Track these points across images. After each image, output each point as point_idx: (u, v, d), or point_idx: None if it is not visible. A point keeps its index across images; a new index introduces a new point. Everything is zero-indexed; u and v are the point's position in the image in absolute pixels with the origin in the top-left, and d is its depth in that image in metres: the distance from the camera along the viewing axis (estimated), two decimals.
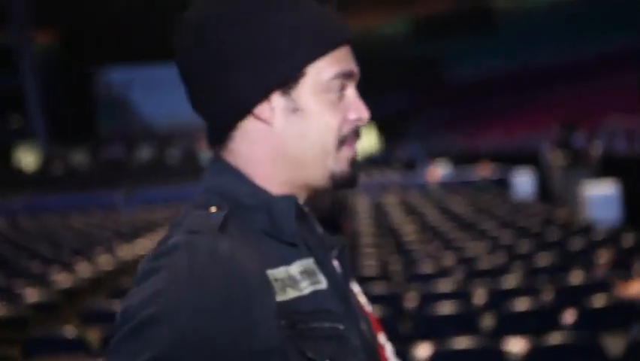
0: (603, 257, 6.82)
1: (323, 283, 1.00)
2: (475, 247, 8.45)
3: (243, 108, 1.00)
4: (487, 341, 4.44)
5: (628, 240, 7.48)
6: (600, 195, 11.61)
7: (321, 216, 4.60)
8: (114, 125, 35.43)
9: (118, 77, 36.60)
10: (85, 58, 35.77)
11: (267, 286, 0.89)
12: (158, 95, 35.48)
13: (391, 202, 15.25)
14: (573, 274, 6.27)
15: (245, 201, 1.00)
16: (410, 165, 23.86)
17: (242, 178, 1.03)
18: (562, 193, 14.56)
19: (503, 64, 33.60)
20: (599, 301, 5.08)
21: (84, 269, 9.40)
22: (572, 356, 4.09)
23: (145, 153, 32.74)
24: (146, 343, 0.81)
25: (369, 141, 35.93)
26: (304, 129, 1.01)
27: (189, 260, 0.85)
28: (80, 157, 32.49)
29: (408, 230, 10.44)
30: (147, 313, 0.82)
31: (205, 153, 31.54)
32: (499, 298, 5.49)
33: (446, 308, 5.16)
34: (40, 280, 8.49)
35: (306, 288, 0.96)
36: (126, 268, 9.81)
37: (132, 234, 13.29)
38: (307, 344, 0.91)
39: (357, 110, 1.06)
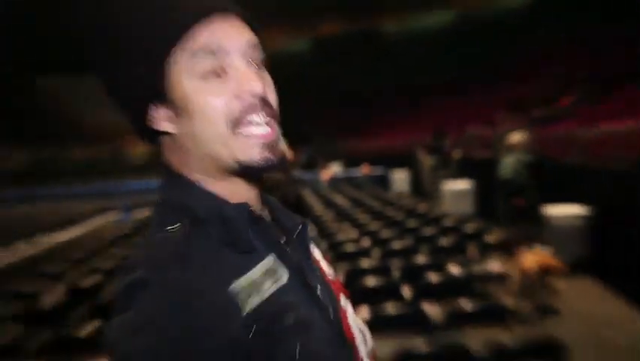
0: (446, 241, 7.15)
1: (284, 277, 0.94)
2: (346, 233, 8.54)
3: (142, 128, 0.96)
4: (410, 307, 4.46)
5: (471, 227, 7.78)
6: (457, 190, 11.99)
7: (288, 207, 4.54)
8: (47, 125, 34.14)
9: (50, 84, 35.39)
10: (18, 67, 34.27)
11: (232, 307, 0.84)
12: (89, 98, 34.70)
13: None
14: (419, 256, 6.47)
15: (200, 214, 0.92)
16: (311, 166, 23.88)
17: (193, 188, 0.95)
18: (430, 189, 14.74)
19: (386, 79, 33.79)
20: (434, 277, 5.35)
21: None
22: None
23: (79, 153, 31.98)
24: None
25: None
26: (192, 126, 0.92)
27: (154, 302, 0.79)
28: (18, 156, 31.60)
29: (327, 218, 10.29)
30: (123, 351, 0.79)
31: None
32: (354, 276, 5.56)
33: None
34: None
35: (269, 289, 0.90)
36: None
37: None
38: (277, 345, 0.86)
39: (242, 82, 0.92)
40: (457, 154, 14.33)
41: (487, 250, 6.90)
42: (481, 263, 6.72)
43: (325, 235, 8.55)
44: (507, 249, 6.69)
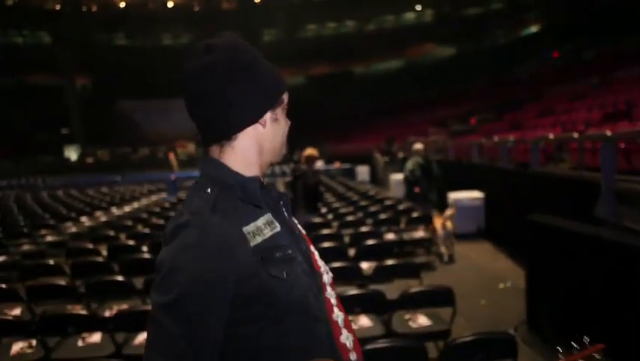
0: (385, 215, 6.91)
1: (278, 227, 1.03)
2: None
3: (255, 118, 1.04)
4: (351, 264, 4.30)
5: (404, 206, 7.50)
6: (399, 180, 11.62)
7: (309, 189, 4.22)
8: (125, 135, 33.96)
9: (127, 105, 35.20)
10: (107, 94, 34.07)
11: (243, 240, 0.94)
12: (150, 116, 34.64)
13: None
14: (364, 226, 6.19)
15: (228, 181, 1.01)
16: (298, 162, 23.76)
17: (225, 167, 1.04)
18: (382, 179, 14.56)
19: (355, 105, 33.92)
20: (372, 242, 5.11)
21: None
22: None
23: (143, 151, 31.65)
24: (170, 285, 0.89)
25: None
26: (277, 131, 1.09)
27: (194, 234, 0.91)
28: (102, 153, 31.17)
29: None
30: (170, 265, 0.90)
31: (182, 152, 31.10)
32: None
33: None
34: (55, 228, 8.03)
35: (268, 233, 0.99)
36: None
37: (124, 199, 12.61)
38: (272, 268, 0.95)
39: (288, 119, 1.14)
40: (400, 155, 14.05)
41: (413, 222, 6.61)
42: (409, 231, 6.51)
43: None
44: (427, 219, 6.62)
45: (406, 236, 6.28)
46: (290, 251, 1.02)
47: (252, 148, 1.06)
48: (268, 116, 1.06)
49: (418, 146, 7.77)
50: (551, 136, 6.40)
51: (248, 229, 0.97)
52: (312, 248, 1.16)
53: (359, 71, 38.89)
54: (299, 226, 1.17)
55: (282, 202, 1.13)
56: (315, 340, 1.02)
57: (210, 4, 34.93)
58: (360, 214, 7.17)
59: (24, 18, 30.29)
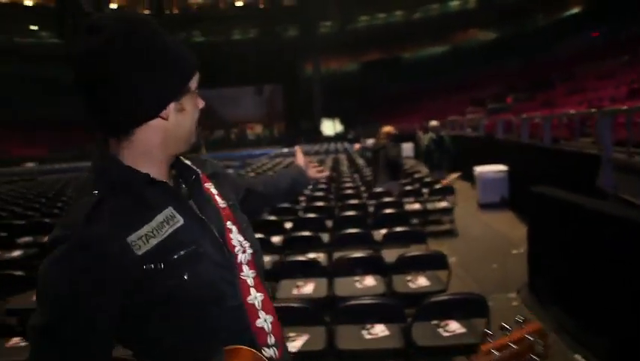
0: (410, 187, 6.74)
1: (180, 221, 0.87)
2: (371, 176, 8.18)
3: (155, 113, 0.84)
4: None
5: (431, 179, 7.27)
6: None
7: (390, 161, 5.45)
8: (203, 120, 34.95)
9: (204, 94, 35.86)
10: None
11: (126, 250, 0.79)
12: (224, 103, 35.42)
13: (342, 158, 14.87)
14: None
15: (118, 180, 0.84)
16: (357, 140, 23.53)
17: (117, 164, 0.86)
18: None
19: (404, 87, 33.13)
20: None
21: None
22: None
23: (218, 133, 32.52)
24: (43, 307, 0.77)
25: (335, 127, 35.67)
26: (183, 121, 0.89)
27: (65, 251, 0.75)
28: None
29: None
30: (42, 284, 0.77)
31: (251, 133, 31.80)
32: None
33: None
34: None
35: (166, 232, 0.84)
36: None
37: None
38: (169, 272, 0.81)
39: (201, 102, 0.95)
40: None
41: (437, 193, 6.42)
42: (433, 202, 6.34)
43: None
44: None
45: (430, 206, 6.14)
46: (194, 246, 0.86)
47: (154, 141, 0.87)
48: (172, 107, 0.86)
49: (433, 123, 8.12)
50: (573, 112, 5.98)
51: (135, 235, 0.81)
52: (230, 224, 0.99)
53: (407, 57, 37.79)
54: (217, 200, 1.01)
55: (194, 180, 0.98)
56: (226, 330, 0.89)
57: (273, 1, 34.98)
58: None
59: None
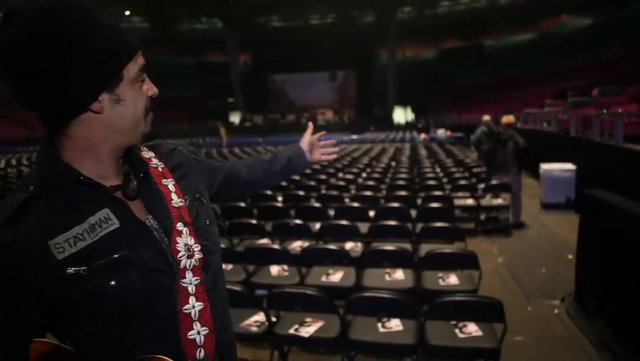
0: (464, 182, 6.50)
1: (116, 224, 0.82)
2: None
3: (81, 107, 0.78)
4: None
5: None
6: None
7: (519, 150, 5.60)
8: (276, 103, 35.98)
9: (279, 78, 36.88)
10: (263, 69, 36.11)
11: (45, 254, 0.75)
12: (298, 87, 35.95)
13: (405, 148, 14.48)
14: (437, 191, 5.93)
15: (49, 179, 0.79)
16: (425, 130, 22.96)
17: (51, 161, 0.81)
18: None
19: (483, 77, 31.60)
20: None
21: None
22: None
23: (289, 117, 32.99)
24: None
25: (407, 115, 34.91)
26: (124, 112, 0.82)
27: None
28: (257, 119, 33.08)
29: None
30: None
31: (321, 118, 32.09)
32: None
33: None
34: None
35: (100, 233, 0.80)
36: None
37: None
38: (94, 278, 0.78)
39: (152, 89, 0.87)
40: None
41: (492, 190, 6.11)
42: (488, 198, 6.07)
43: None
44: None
45: (485, 202, 5.88)
46: (127, 251, 0.81)
47: (92, 136, 0.82)
48: (105, 98, 0.80)
49: (485, 117, 8.72)
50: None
51: (62, 237, 0.77)
52: (181, 225, 0.92)
53: (490, 44, 35.84)
54: (171, 199, 0.94)
55: (144, 176, 0.92)
56: (153, 339, 0.86)
57: None
58: (445, 179, 6.82)
59: (202, 8, 32.72)
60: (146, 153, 0.98)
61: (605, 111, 6.84)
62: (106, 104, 0.80)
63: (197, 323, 0.91)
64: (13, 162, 13.55)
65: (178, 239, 0.91)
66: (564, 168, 6.73)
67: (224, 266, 1.12)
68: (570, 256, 4.70)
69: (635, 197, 3.15)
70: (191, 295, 0.91)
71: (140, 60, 0.85)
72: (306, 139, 1.47)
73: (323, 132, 1.53)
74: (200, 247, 0.94)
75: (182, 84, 32.66)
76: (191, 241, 0.92)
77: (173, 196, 0.95)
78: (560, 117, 10.14)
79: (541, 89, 22.23)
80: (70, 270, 0.76)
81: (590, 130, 7.70)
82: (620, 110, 6.12)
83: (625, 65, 18.46)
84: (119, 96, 0.82)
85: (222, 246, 3.55)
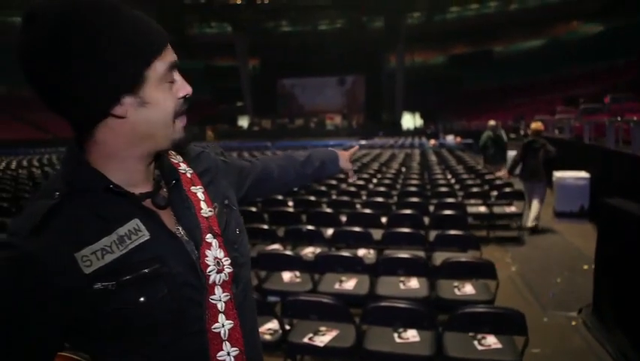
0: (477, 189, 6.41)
1: (146, 235, 0.77)
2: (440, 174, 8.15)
3: (101, 112, 0.73)
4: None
5: (502, 182, 6.89)
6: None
7: (550, 159, 5.69)
8: (285, 108, 36.08)
9: (288, 83, 36.98)
10: (272, 73, 36.16)
11: (72, 267, 0.71)
12: (306, 92, 36.01)
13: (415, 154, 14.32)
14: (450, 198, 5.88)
15: (77, 186, 0.75)
16: (434, 136, 22.84)
17: (80, 166, 0.76)
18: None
19: (493, 83, 31.50)
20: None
21: None
22: None
23: (298, 122, 33.02)
24: None
25: (415, 121, 34.86)
26: (150, 116, 0.76)
27: (3, 261, 0.70)
28: (266, 123, 33.15)
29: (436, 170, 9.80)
30: None
31: (330, 123, 32.18)
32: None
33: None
34: None
35: (129, 245, 0.75)
36: None
37: None
38: (120, 294, 0.73)
39: (184, 89, 0.81)
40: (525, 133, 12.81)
41: (506, 197, 6.02)
42: (501, 206, 5.99)
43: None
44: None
45: (498, 210, 5.81)
46: (158, 265, 0.76)
47: (117, 143, 0.77)
48: (129, 101, 0.74)
49: (491, 123, 9.37)
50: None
51: (89, 250, 0.72)
52: (210, 237, 0.87)
53: (499, 50, 35.75)
54: (200, 208, 0.89)
55: (175, 186, 0.87)
56: (178, 359, 0.80)
57: None
58: (457, 186, 6.75)
59: (212, 12, 32.89)
60: (174, 158, 0.93)
61: (619, 118, 6.76)
62: (130, 108, 0.75)
63: (227, 342, 0.85)
64: (25, 163, 13.65)
65: (207, 252, 0.85)
66: (578, 176, 6.65)
67: None
68: (585, 267, 4.63)
69: None
70: (221, 312, 0.85)
71: (169, 57, 0.78)
72: (346, 152, 1.46)
73: (357, 147, 1.52)
74: (230, 260, 0.88)
75: (193, 88, 32.88)
76: (220, 253, 0.87)
77: (203, 205, 0.89)
78: (573, 124, 10.06)
79: (550, 95, 22.12)
80: (98, 285, 0.72)
81: (604, 137, 7.62)
82: (635, 118, 6.04)
83: (636, 72, 18.29)
84: (144, 98, 0.75)
85: None
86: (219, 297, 0.85)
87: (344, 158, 1.43)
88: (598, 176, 6.41)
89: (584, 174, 6.66)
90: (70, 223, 0.73)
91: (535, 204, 5.86)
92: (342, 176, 7.79)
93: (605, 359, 2.97)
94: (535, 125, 6.15)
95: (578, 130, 9.45)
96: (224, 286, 0.86)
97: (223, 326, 0.85)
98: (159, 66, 0.76)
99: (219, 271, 0.85)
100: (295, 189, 4.48)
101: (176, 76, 0.81)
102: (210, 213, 0.89)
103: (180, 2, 29.73)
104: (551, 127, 11.17)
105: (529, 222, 5.85)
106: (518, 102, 24.15)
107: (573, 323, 3.46)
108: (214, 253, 0.86)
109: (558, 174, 6.81)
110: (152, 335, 0.78)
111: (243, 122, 35.32)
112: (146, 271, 0.75)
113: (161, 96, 0.77)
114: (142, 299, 0.74)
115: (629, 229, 3.07)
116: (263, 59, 37.24)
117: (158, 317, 0.76)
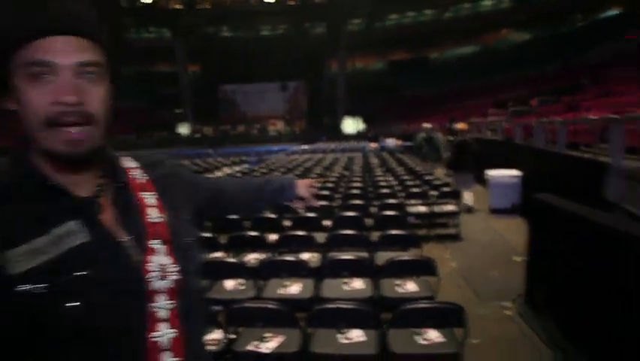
0: (417, 189, 6.62)
1: (83, 237, 0.74)
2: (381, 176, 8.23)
3: None
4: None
5: (441, 182, 7.15)
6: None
7: (475, 155, 6.83)
8: (227, 114, 35.56)
9: (229, 88, 36.48)
10: (213, 79, 35.52)
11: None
12: (248, 98, 35.69)
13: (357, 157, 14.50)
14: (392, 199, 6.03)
15: (14, 181, 0.73)
16: (375, 139, 23.23)
17: (18, 160, 0.74)
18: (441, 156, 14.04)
19: (430, 88, 32.71)
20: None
21: None
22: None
23: (240, 128, 32.65)
24: None
25: (358, 125, 35.44)
26: (23, 113, 0.72)
27: None
28: (207, 130, 32.53)
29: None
30: None
31: (272, 129, 32.09)
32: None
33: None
34: None
35: (65, 246, 0.71)
36: None
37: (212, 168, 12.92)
38: (54, 298, 0.69)
39: (58, 93, 0.71)
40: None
41: (445, 197, 6.24)
42: (440, 205, 6.20)
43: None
44: None
45: (437, 209, 6.01)
46: (92, 269, 0.72)
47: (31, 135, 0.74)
48: (9, 98, 0.73)
49: (426, 125, 10.46)
50: (592, 117, 5.75)
51: (21, 249, 0.68)
52: (157, 243, 0.83)
53: (434, 57, 37.26)
54: (148, 214, 0.86)
55: (120, 191, 0.84)
56: None
57: None
58: (398, 187, 6.90)
59: (151, 17, 31.85)
60: (129, 163, 0.92)
61: (545, 120, 7.22)
62: (11, 101, 0.72)
63: (167, 352, 0.80)
64: None
65: (151, 258, 0.82)
66: (509, 174, 7.01)
67: None
68: (518, 259, 4.89)
69: (580, 200, 3.30)
70: (162, 320, 0.80)
71: (39, 53, 0.71)
72: (302, 182, 1.40)
73: (321, 179, 1.48)
74: (178, 268, 0.84)
75: (127, 95, 31.62)
76: (166, 260, 0.83)
77: (152, 211, 0.87)
78: (504, 126, 10.63)
79: (482, 100, 23.29)
80: (27, 287, 0.68)
81: (532, 137, 8.11)
82: (560, 119, 6.48)
83: (563, 79, 19.63)
84: (15, 96, 0.72)
85: None
86: (161, 305, 0.81)
87: (303, 185, 1.39)
88: (528, 174, 6.79)
89: (515, 172, 7.04)
90: (2, 220, 0.70)
91: (468, 193, 6.88)
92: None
93: (538, 345, 3.14)
94: (461, 125, 6.96)
95: (508, 131, 9.99)
96: (168, 293, 0.82)
97: (164, 335, 0.80)
98: (25, 57, 0.71)
99: (163, 278, 0.81)
100: (249, 214, 4.42)
101: (57, 77, 0.72)
102: (160, 220, 0.87)
103: (117, 5, 28.52)
104: (484, 129, 11.70)
105: (470, 203, 6.96)
106: (452, 106, 25.19)
107: (507, 313, 3.63)
108: (159, 259, 0.82)
109: (492, 173, 7.15)
110: (86, 342, 0.73)
111: (183, 129, 34.39)
112: (80, 273, 0.71)
113: (24, 91, 0.71)
114: (75, 304, 0.70)
115: (557, 223, 3.27)
116: (203, 64, 36.51)
117: (92, 324, 0.72)
